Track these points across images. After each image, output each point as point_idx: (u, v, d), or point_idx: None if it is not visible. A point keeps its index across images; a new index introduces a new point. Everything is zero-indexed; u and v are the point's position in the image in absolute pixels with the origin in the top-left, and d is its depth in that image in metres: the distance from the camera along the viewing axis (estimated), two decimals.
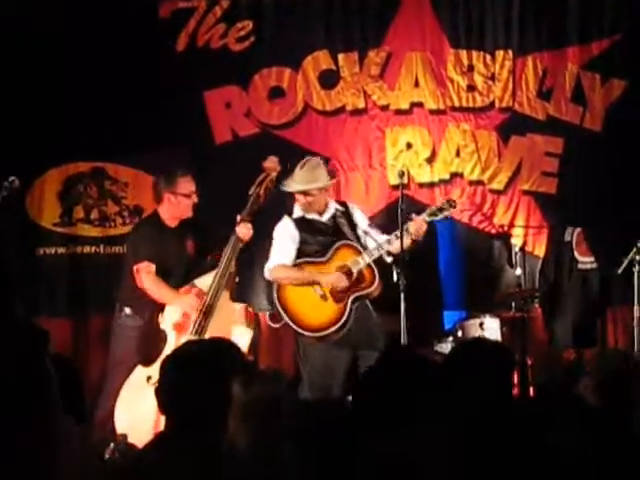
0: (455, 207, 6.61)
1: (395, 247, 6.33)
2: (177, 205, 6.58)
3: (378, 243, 6.36)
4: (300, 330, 6.27)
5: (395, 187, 8.12)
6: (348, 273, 6.32)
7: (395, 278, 6.24)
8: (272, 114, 8.39)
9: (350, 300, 6.27)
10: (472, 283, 8.38)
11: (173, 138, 8.04)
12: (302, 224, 6.41)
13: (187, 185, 6.60)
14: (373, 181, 8.44)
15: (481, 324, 7.60)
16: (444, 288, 8.37)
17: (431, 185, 8.37)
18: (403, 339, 6.14)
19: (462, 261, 8.46)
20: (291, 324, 6.27)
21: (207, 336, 6.22)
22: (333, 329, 6.21)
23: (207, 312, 6.36)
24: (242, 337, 6.33)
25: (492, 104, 8.47)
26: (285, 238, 6.38)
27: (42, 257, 8.19)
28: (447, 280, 8.39)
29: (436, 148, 8.44)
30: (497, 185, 8.46)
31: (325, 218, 6.46)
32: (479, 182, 8.46)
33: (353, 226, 6.50)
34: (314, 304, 6.28)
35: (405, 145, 8.42)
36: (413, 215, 6.46)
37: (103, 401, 6.60)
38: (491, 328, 7.59)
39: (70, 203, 8.23)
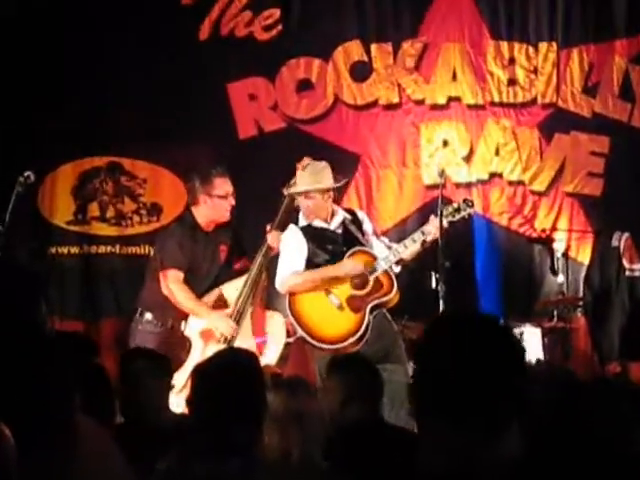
0: (473, 207, 6.17)
1: (408, 253, 6.01)
2: (213, 208, 6.32)
3: (394, 248, 6.03)
4: (316, 343, 5.92)
5: (430, 187, 8.05)
6: (364, 280, 5.98)
7: (434, 284, 6.04)
8: (300, 108, 8.27)
9: (368, 309, 5.91)
10: (511, 290, 8.22)
11: (194, 132, 7.90)
12: (309, 233, 6.09)
13: (224, 186, 6.31)
14: (407, 180, 8.31)
15: (521, 334, 7.38)
16: (481, 295, 8.16)
17: (468, 185, 8.23)
18: None
19: (500, 267, 8.28)
20: (306, 337, 5.92)
21: (237, 344, 6.05)
22: (351, 340, 5.83)
23: (237, 320, 6.19)
24: (275, 345, 6.19)
25: (534, 99, 8.37)
26: (293, 248, 6.07)
27: (54, 256, 8.04)
28: (484, 287, 8.20)
29: (474, 146, 8.33)
30: (539, 186, 8.32)
31: (333, 226, 6.13)
32: (519, 182, 8.35)
33: (364, 233, 6.20)
34: (330, 315, 5.95)
35: (441, 142, 8.31)
36: (431, 217, 6.12)
37: None
38: (532, 338, 7.41)
39: (85, 200, 8.11)
